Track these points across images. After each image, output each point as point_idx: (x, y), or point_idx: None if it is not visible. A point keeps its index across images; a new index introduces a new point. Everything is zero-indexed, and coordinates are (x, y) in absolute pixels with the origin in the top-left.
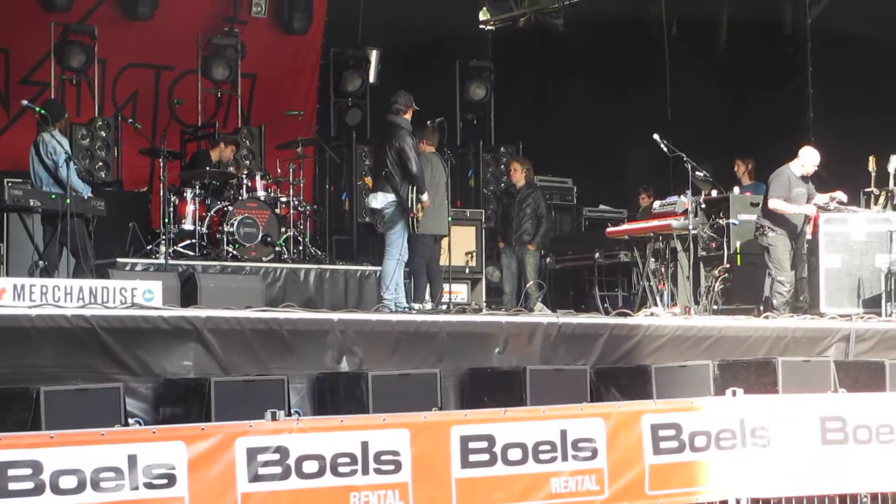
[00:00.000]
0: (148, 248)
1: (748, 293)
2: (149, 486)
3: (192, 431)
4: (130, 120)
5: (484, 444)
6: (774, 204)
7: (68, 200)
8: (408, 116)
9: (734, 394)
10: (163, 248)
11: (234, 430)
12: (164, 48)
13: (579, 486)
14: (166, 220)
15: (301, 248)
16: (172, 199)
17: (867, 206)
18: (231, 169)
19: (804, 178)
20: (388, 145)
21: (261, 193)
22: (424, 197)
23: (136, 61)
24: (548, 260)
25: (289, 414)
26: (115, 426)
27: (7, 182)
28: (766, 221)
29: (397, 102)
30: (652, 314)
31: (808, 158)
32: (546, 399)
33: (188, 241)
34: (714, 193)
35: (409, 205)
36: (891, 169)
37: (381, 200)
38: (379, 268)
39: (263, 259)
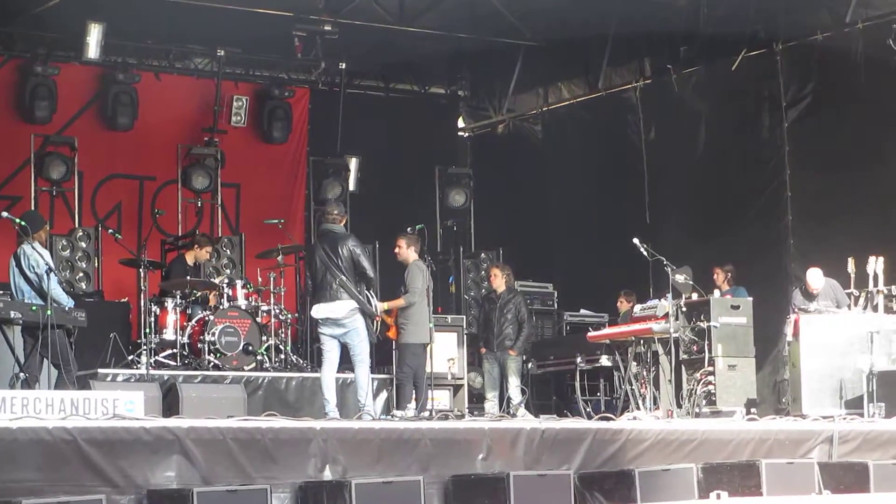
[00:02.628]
0: (129, 358)
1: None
2: None
3: None
4: (112, 230)
5: None
6: None
7: (49, 312)
8: (343, 224)
9: (718, 496)
10: (144, 359)
11: None
12: (144, 158)
13: None
14: (147, 331)
15: (283, 356)
16: (153, 308)
17: (847, 307)
18: (210, 269)
19: (811, 296)
20: (332, 253)
21: (242, 302)
22: (382, 305)
23: (117, 172)
24: (529, 365)
25: None
26: None
27: None
28: None
29: (332, 213)
30: (635, 418)
31: (807, 279)
32: None
33: (169, 351)
34: (695, 296)
35: (374, 308)
36: (870, 270)
37: (340, 309)
38: None
39: (245, 368)
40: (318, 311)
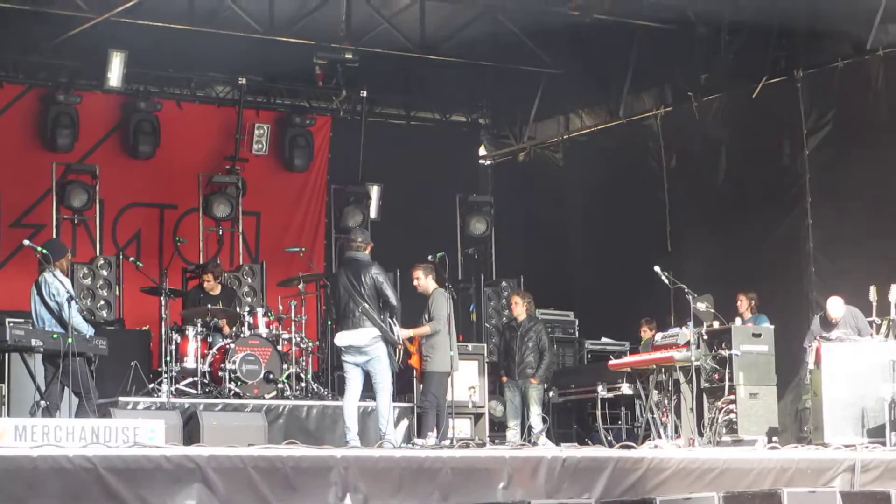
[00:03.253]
0: (150, 386)
1: (752, 424)
2: None
3: None
4: (132, 258)
5: None
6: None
7: (70, 340)
8: (368, 252)
9: None
10: (165, 387)
11: None
12: (165, 187)
13: None
14: (168, 359)
15: (303, 384)
16: (174, 337)
17: (870, 335)
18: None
19: (830, 325)
20: (355, 281)
21: (262, 330)
22: (406, 332)
23: (137, 200)
24: (551, 393)
25: None
26: None
27: (9, 322)
28: None
29: (357, 240)
30: (656, 447)
31: (828, 308)
32: None
33: (190, 380)
34: (716, 324)
35: (396, 337)
36: (892, 298)
37: (363, 337)
38: None
39: (266, 396)
40: (342, 338)
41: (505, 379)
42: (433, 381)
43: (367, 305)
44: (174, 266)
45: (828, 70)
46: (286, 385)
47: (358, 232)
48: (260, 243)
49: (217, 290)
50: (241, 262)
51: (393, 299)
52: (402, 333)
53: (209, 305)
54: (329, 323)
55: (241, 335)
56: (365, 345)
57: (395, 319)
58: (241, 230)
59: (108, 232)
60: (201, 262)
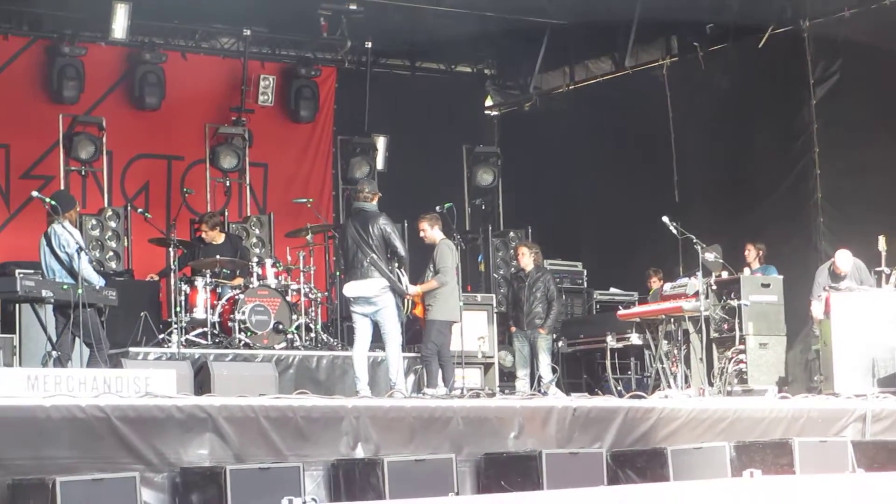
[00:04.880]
0: (160, 337)
1: (762, 374)
2: None
3: None
4: (141, 210)
5: None
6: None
7: (80, 291)
8: (375, 202)
9: (751, 475)
10: (175, 337)
11: None
12: (172, 138)
13: None
14: (178, 309)
15: (313, 335)
16: (183, 287)
17: (878, 285)
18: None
19: (838, 277)
20: (363, 232)
21: (272, 281)
22: (416, 289)
23: (145, 152)
24: (560, 343)
25: (305, 501)
26: None
27: (19, 273)
28: None
29: (364, 190)
30: (666, 396)
31: (836, 261)
32: (563, 482)
33: (200, 330)
34: (724, 275)
35: (404, 287)
36: None
37: (371, 287)
38: None
39: (275, 346)
40: (350, 289)
41: (513, 329)
42: (433, 329)
43: (375, 256)
44: (182, 217)
45: (834, 20)
46: (295, 335)
47: (365, 182)
48: (268, 195)
49: (220, 240)
50: (248, 214)
51: (401, 249)
52: (412, 289)
53: (217, 256)
54: (338, 273)
55: (251, 286)
56: (373, 295)
57: (403, 270)
58: (248, 181)
59: (116, 183)
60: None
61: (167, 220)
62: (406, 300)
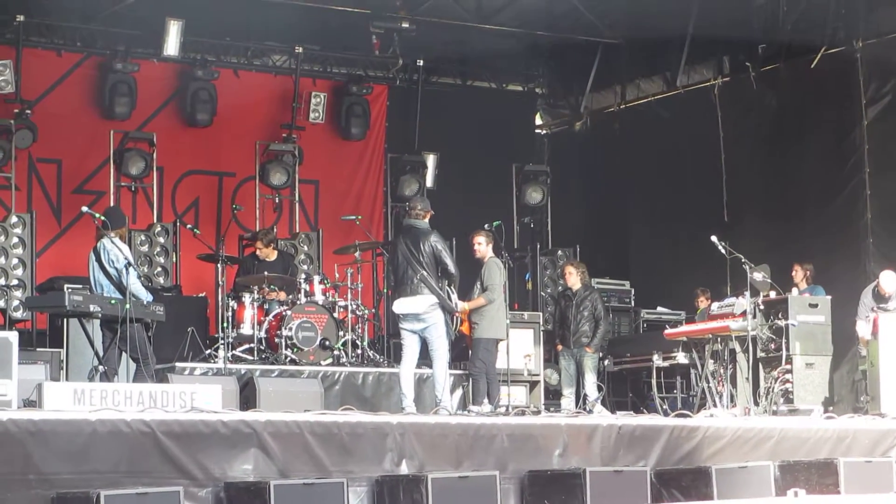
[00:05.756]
0: (207, 352)
1: (808, 393)
2: None
3: None
4: (190, 226)
5: None
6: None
7: (128, 306)
8: (427, 220)
9: (796, 494)
10: (221, 353)
11: None
12: (222, 155)
13: None
14: (225, 325)
15: (359, 351)
16: (231, 303)
17: None
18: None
19: (883, 298)
20: (414, 249)
21: (319, 297)
22: (464, 305)
23: (195, 168)
24: (606, 362)
25: None
26: None
27: (67, 288)
28: None
29: (416, 207)
30: (712, 415)
31: (881, 282)
32: (606, 500)
33: (247, 346)
34: (772, 294)
35: (454, 304)
36: None
37: (421, 304)
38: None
39: (322, 363)
40: (399, 305)
41: (560, 347)
42: (480, 347)
43: (425, 273)
44: (231, 233)
45: (887, 40)
46: (342, 352)
47: (418, 200)
48: (319, 212)
49: (273, 257)
50: (297, 231)
51: (451, 267)
52: (460, 305)
53: (265, 273)
54: (385, 291)
55: (298, 302)
56: (423, 312)
57: (453, 287)
58: (297, 198)
59: (167, 199)
60: (257, 229)
61: (217, 236)
62: (456, 317)
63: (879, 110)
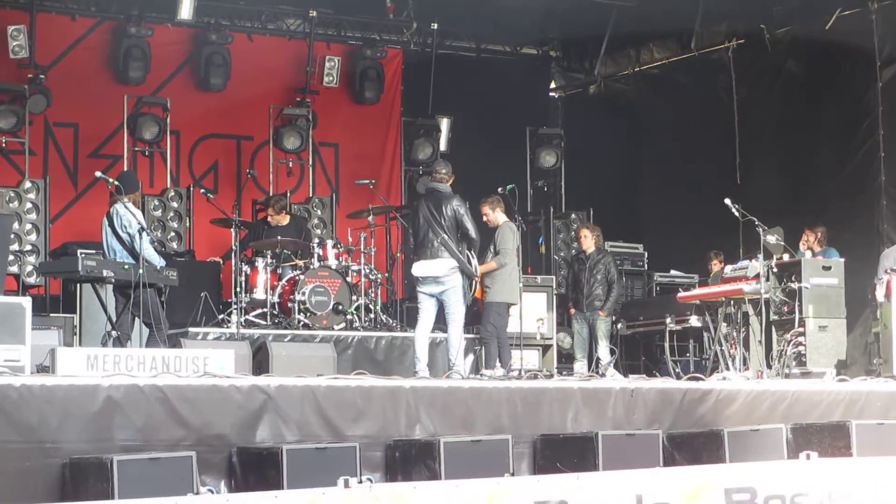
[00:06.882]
0: (220, 317)
1: (821, 356)
2: None
3: (265, 500)
4: (204, 189)
5: None
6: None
7: (141, 271)
8: (449, 184)
9: (808, 457)
10: (234, 318)
11: (307, 497)
12: (236, 119)
13: None
14: (238, 290)
15: (372, 316)
16: (244, 268)
17: None
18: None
19: None
20: (436, 211)
21: (332, 262)
22: (477, 264)
23: (212, 132)
24: (619, 325)
25: (361, 481)
26: (187, 495)
27: (80, 253)
28: None
29: (440, 171)
30: (724, 378)
31: None
32: (619, 464)
33: (260, 311)
34: (786, 257)
35: (474, 269)
36: None
37: (441, 267)
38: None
39: (335, 327)
40: (419, 268)
41: (573, 311)
42: (491, 311)
43: (446, 236)
44: (245, 198)
45: None
46: (355, 316)
47: (441, 163)
48: (340, 174)
49: (285, 221)
50: (311, 195)
51: (472, 232)
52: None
53: (278, 237)
54: (398, 255)
55: (311, 267)
56: (442, 275)
57: (473, 252)
58: (311, 162)
59: (184, 163)
60: (271, 193)
61: (238, 199)
62: (475, 282)
63: (894, 72)
